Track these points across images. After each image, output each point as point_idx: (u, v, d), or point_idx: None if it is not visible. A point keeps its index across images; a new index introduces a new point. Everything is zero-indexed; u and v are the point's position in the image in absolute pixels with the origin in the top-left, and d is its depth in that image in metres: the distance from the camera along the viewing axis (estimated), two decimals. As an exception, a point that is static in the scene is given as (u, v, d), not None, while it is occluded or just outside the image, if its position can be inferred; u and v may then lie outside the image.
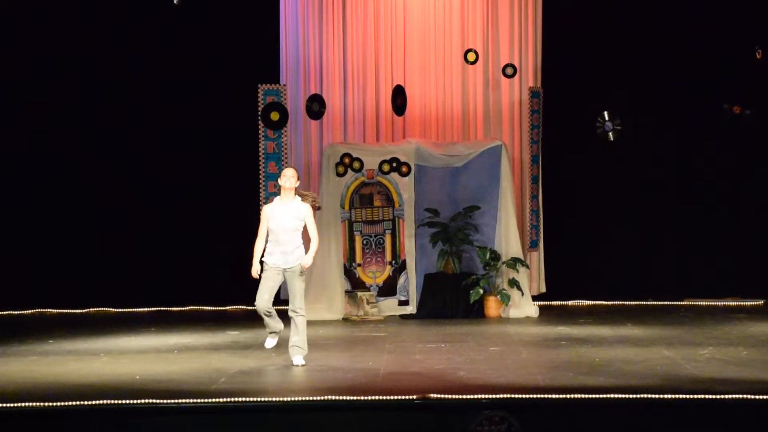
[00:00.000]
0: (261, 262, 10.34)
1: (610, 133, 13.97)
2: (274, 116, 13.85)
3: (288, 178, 10.27)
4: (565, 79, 14.78)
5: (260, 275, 10.31)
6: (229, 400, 8.65)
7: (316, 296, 13.78)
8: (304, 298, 10.36)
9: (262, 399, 8.71)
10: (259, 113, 13.95)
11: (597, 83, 14.73)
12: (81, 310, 14.55)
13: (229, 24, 14.69)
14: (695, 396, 8.64)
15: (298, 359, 10.30)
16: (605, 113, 13.99)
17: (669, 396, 8.59)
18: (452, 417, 8.48)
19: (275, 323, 10.44)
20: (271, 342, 10.59)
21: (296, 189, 10.33)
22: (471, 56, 14.50)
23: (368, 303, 13.83)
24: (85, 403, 8.60)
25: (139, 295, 14.67)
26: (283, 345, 11.71)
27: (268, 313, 10.32)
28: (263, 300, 10.26)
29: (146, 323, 13.43)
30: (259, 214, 13.96)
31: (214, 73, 14.70)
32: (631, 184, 15.04)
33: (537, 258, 14.85)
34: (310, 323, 13.35)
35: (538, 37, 15.04)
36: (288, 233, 10.24)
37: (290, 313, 10.27)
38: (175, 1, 13.21)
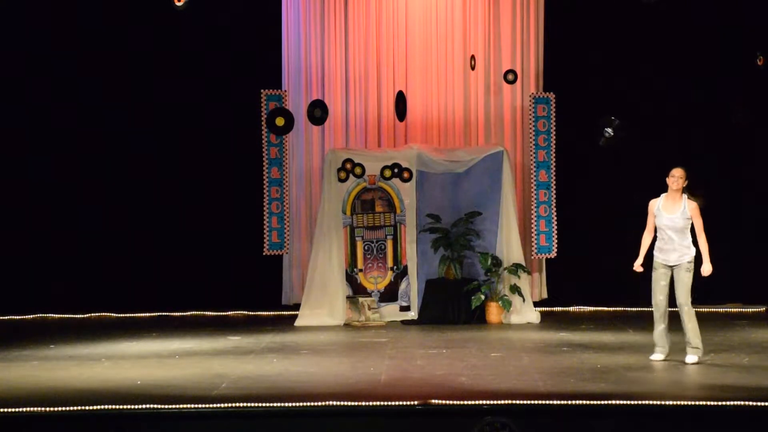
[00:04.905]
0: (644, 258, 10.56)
1: (602, 139, 13.87)
2: (280, 121, 13.87)
3: (676, 179, 10.38)
4: (568, 85, 14.77)
5: (642, 271, 10.62)
6: (230, 405, 8.64)
7: (317, 302, 13.78)
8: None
9: (264, 405, 8.71)
10: (264, 118, 13.97)
11: (599, 89, 14.72)
12: (82, 315, 14.53)
13: (232, 29, 14.69)
14: (697, 402, 8.64)
15: (691, 358, 10.45)
16: (612, 117, 13.91)
17: (670, 402, 8.58)
18: (453, 423, 8.47)
19: (664, 341, 10.59)
20: (658, 355, 10.66)
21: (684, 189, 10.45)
22: (471, 62, 14.53)
23: (370, 308, 13.82)
24: (87, 408, 8.60)
25: (140, 300, 14.65)
26: (282, 349, 11.73)
27: (662, 318, 10.49)
28: (659, 300, 10.53)
29: (147, 328, 13.41)
30: (261, 217, 14.13)
31: (216, 77, 14.69)
32: (632, 188, 14.99)
33: (539, 264, 14.84)
34: (309, 329, 13.44)
35: (540, 43, 15.03)
36: (677, 232, 10.45)
37: (678, 306, 10.48)
38: (177, 5, 13.19)
